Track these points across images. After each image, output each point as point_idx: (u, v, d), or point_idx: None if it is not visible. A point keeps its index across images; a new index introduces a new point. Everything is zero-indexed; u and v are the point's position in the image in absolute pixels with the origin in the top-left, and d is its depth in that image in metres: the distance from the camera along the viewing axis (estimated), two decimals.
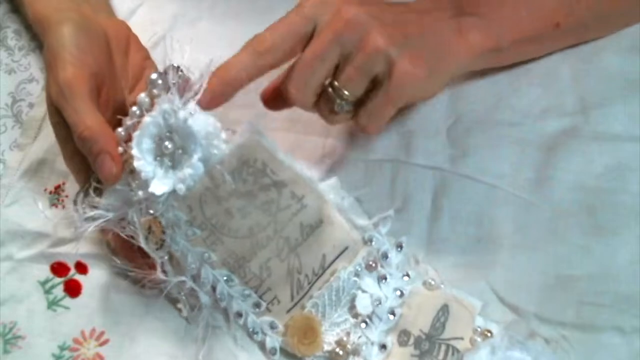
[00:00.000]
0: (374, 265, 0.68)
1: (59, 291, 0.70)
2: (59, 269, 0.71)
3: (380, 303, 0.67)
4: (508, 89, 0.75)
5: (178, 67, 0.62)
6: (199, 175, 0.62)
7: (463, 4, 0.67)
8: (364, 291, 0.68)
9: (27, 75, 0.80)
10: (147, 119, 0.61)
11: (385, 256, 0.68)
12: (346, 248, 0.68)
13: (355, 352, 0.66)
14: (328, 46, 0.63)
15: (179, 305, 0.68)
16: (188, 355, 0.67)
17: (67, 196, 0.73)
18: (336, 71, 0.64)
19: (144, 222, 0.63)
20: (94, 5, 0.73)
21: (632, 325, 0.66)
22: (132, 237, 0.64)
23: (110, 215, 0.63)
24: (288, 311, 0.67)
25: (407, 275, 0.68)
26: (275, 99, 0.68)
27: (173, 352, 0.67)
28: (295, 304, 0.67)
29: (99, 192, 0.63)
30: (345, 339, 0.66)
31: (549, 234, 0.69)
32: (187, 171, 0.61)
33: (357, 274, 0.68)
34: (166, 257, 0.65)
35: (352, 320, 0.67)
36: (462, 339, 0.66)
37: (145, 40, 0.75)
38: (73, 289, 0.70)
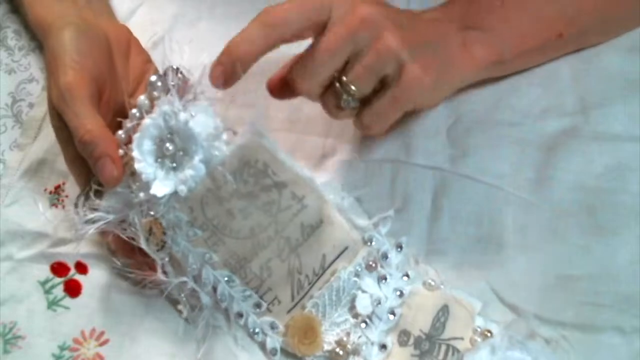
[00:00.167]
0: (374, 265, 0.68)
1: (59, 291, 0.70)
2: (59, 269, 0.71)
3: (380, 303, 0.67)
4: (508, 89, 0.75)
5: (177, 68, 0.62)
6: (201, 176, 0.62)
7: (468, 17, 0.67)
8: (364, 291, 0.68)
9: (27, 75, 0.80)
10: (147, 120, 0.61)
11: (385, 256, 0.68)
12: (346, 248, 0.68)
13: (356, 352, 0.66)
14: (341, 42, 0.62)
15: (179, 307, 0.68)
16: (188, 355, 0.67)
17: (67, 196, 0.73)
18: (346, 66, 0.64)
19: (145, 223, 0.63)
20: (95, 9, 0.73)
21: (632, 325, 0.66)
22: (132, 238, 0.64)
23: (111, 217, 0.63)
24: (288, 311, 0.68)
25: (407, 275, 0.68)
26: (282, 88, 0.68)
27: (173, 352, 0.67)
28: (296, 304, 0.68)
29: (99, 194, 0.63)
30: (345, 339, 0.67)
31: (549, 234, 0.69)
32: (188, 172, 0.62)
33: (357, 274, 0.68)
34: (167, 259, 0.65)
35: (352, 320, 0.67)
36: (462, 339, 0.66)
37: (145, 40, 0.75)
38: (73, 289, 0.70)
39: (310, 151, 0.73)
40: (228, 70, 0.62)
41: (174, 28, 0.81)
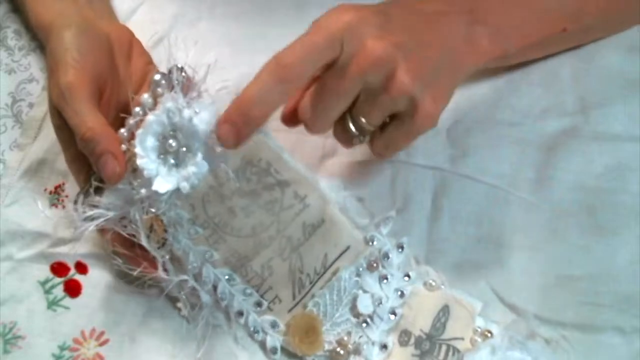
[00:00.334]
0: (375, 265, 0.68)
1: (59, 291, 0.70)
2: (59, 269, 0.70)
3: (381, 303, 0.67)
4: (508, 89, 0.75)
5: (182, 67, 0.62)
6: (203, 173, 0.62)
7: (474, 10, 0.66)
8: (365, 291, 0.68)
9: (27, 75, 0.80)
10: (150, 117, 0.61)
11: (386, 256, 0.68)
12: (348, 248, 0.68)
13: (356, 351, 0.66)
14: (352, 84, 0.60)
15: (179, 305, 0.67)
16: (188, 354, 0.67)
17: (67, 196, 0.73)
18: (357, 99, 0.62)
19: (146, 220, 0.63)
20: (97, 10, 0.73)
21: (632, 325, 0.66)
22: (133, 235, 0.63)
23: (111, 214, 0.63)
24: (289, 310, 0.68)
25: (408, 275, 0.68)
26: (294, 119, 0.66)
27: (173, 351, 0.67)
28: (297, 303, 0.68)
29: (99, 191, 0.63)
30: (346, 338, 0.67)
31: (549, 234, 0.70)
32: (191, 169, 0.61)
33: (358, 274, 0.68)
34: (167, 256, 0.65)
35: (353, 320, 0.67)
36: (462, 339, 0.66)
37: (145, 39, 0.75)
38: (73, 289, 0.70)
39: (310, 151, 0.73)
40: (241, 130, 0.60)
41: (174, 28, 0.80)
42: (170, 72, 0.62)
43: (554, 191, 0.71)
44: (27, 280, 0.70)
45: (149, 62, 0.73)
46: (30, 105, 0.78)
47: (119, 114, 0.65)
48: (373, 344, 0.66)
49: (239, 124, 0.59)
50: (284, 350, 0.67)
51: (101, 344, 0.68)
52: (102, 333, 0.68)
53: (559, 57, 0.76)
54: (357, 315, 0.67)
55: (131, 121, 0.63)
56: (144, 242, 0.63)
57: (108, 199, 0.63)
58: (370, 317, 0.67)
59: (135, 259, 0.65)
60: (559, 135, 0.73)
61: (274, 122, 0.69)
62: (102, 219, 0.63)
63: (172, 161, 0.62)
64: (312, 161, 0.72)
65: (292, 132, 0.70)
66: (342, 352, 0.66)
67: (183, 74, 0.62)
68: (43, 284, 0.70)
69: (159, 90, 0.62)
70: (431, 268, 0.69)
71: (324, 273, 0.68)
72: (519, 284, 0.68)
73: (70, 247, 0.71)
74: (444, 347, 0.66)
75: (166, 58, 0.62)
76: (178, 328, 0.68)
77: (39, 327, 0.69)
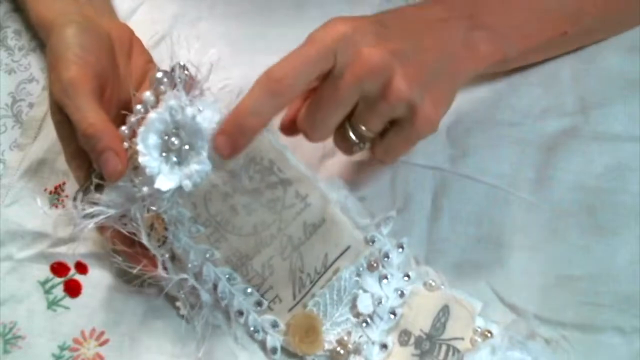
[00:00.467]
0: (375, 265, 0.68)
1: (59, 291, 0.70)
2: (59, 269, 0.70)
3: (381, 303, 0.67)
4: (508, 89, 0.75)
5: (184, 65, 0.62)
6: (206, 171, 0.62)
7: (474, 16, 0.66)
8: (365, 291, 0.68)
9: (27, 75, 0.80)
10: (152, 114, 0.61)
11: (386, 256, 0.68)
12: (348, 247, 0.68)
13: (356, 351, 0.66)
14: (349, 93, 0.61)
15: (178, 304, 0.67)
16: (188, 354, 0.67)
17: (67, 196, 0.73)
18: (355, 108, 0.63)
19: (147, 218, 0.63)
20: (97, 8, 0.73)
21: (632, 325, 0.66)
22: (133, 234, 0.63)
23: (112, 211, 0.63)
24: (290, 310, 0.68)
25: (408, 276, 0.68)
26: (292, 128, 0.66)
27: (173, 351, 0.67)
28: (297, 302, 0.68)
29: (99, 189, 0.63)
30: (346, 338, 0.67)
31: (549, 234, 0.70)
32: (194, 167, 0.61)
33: (358, 274, 0.68)
34: (167, 255, 0.65)
35: (353, 320, 0.67)
36: (462, 339, 0.66)
37: (145, 39, 0.75)
38: (73, 289, 0.70)
39: (310, 151, 0.73)
40: (236, 141, 0.61)
41: (174, 28, 0.80)
42: (172, 70, 0.62)
43: (554, 191, 0.71)
44: (27, 280, 0.70)
45: (149, 61, 0.73)
46: (30, 105, 0.78)
47: (119, 113, 0.65)
48: (373, 343, 0.66)
49: (234, 135, 0.60)
50: (284, 350, 0.67)
51: (101, 344, 0.68)
52: (102, 333, 0.68)
53: (559, 58, 0.76)
54: (357, 315, 0.67)
55: (132, 119, 0.63)
56: (144, 240, 0.63)
57: (108, 197, 0.63)
58: (370, 316, 0.67)
59: (135, 256, 0.65)
60: (559, 135, 0.73)
61: (274, 122, 0.69)
62: (102, 217, 0.63)
63: (174, 159, 0.62)
64: (312, 161, 0.72)
65: None
66: (342, 351, 0.66)
67: (186, 72, 0.62)
68: (43, 284, 0.70)
69: (162, 88, 0.62)
70: (431, 268, 0.69)
71: (325, 272, 0.68)
72: (519, 284, 0.68)
73: (70, 247, 0.71)
74: (444, 347, 0.66)
75: (168, 56, 0.62)
76: (178, 328, 0.68)
77: (39, 327, 0.69)
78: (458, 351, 0.66)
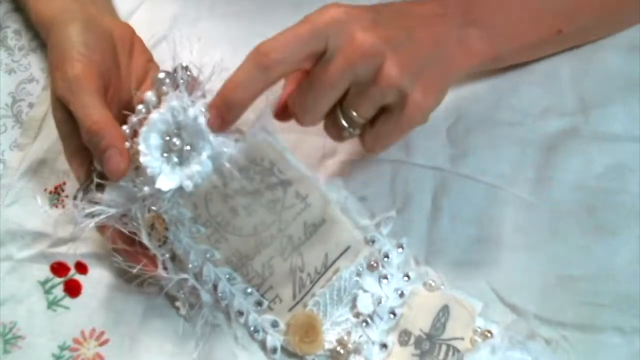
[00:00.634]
0: (375, 265, 0.68)
1: (59, 291, 0.70)
2: (59, 269, 0.71)
3: (381, 302, 0.67)
4: (508, 89, 0.75)
5: (186, 66, 0.62)
6: (207, 172, 0.62)
7: (468, 12, 0.66)
8: (365, 291, 0.68)
9: (27, 75, 0.80)
10: (154, 115, 0.61)
11: (386, 256, 0.68)
12: (348, 247, 0.68)
13: (356, 351, 0.66)
14: (341, 76, 0.61)
15: (178, 304, 0.68)
16: (188, 354, 0.67)
17: (67, 196, 0.73)
18: (347, 93, 0.63)
19: (147, 218, 0.63)
20: (99, 7, 0.73)
21: (632, 325, 0.66)
22: (134, 233, 0.63)
23: (112, 211, 0.63)
24: (290, 310, 0.68)
25: (408, 276, 0.68)
26: (285, 113, 0.66)
27: (173, 351, 0.67)
28: (297, 302, 0.68)
29: (100, 188, 0.63)
30: (346, 338, 0.67)
31: (549, 234, 0.70)
32: (195, 168, 0.62)
33: (358, 274, 0.68)
34: (167, 255, 0.65)
35: (353, 320, 0.67)
36: (462, 339, 0.66)
37: (145, 40, 0.75)
38: (73, 289, 0.70)
39: (310, 151, 0.73)
40: (224, 115, 0.61)
41: (174, 28, 0.80)
42: (175, 70, 0.62)
43: (554, 191, 0.71)
44: (27, 280, 0.70)
45: (150, 60, 0.73)
46: (30, 105, 0.78)
47: (119, 112, 0.65)
48: (373, 343, 0.66)
49: (221, 109, 0.61)
50: (284, 349, 0.67)
51: (101, 344, 0.68)
52: (102, 333, 0.68)
53: (558, 58, 0.76)
54: (357, 314, 0.67)
55: (134, 119, 0.63)
56: (145, 239, 0.63)
57: (109, 196, 0.63)
58: (370, 316, 0.67)
59: (135, 255, 0.65)
60: (559, 135, 0.73)
61: (274, 121, 0.69)
62: (102, 216, 0.63)
63: (176, 159, 0.62)
64: (312, 161, 0.72)
65: (292, 132, 0.70)
66: (342, 351, 0.66)
67: (188, 73, 0.62)
68: (43, 284, 0.70)
69: (164, 88, 0.62)
70: (431, 268, 0.69)
71: (325, 272, 0.68)
72: (519, 284, 0.68)
73: (70, 247, 0.71)
74: (444, 347, 0.66)
75: (169, 57, 0.63)
76: (178, 328, 0.68)
77: (39, 327, 0.69)
78: (458, 351, 0.66)
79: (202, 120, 0.61)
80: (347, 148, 0.74)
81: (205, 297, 0.66)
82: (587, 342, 0.66)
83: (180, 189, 0.62)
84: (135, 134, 0.63)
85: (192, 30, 0.80)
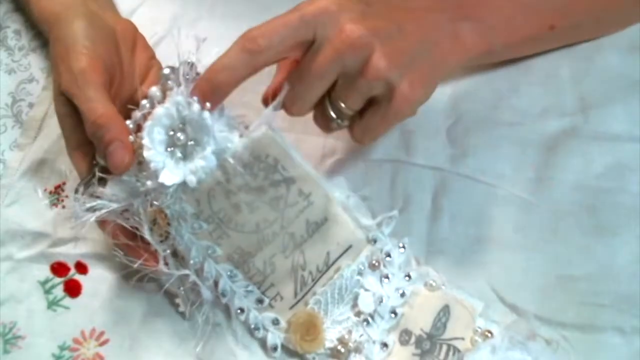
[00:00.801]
0: (376, 264, 0.68)
1: (59, 291, 0.70)
2: (59, 269, 0.70)
3: (382, 302, 0.67)
4: (508, 89, 0.75)
5: (192, 62, 0.62)
6: (211, 167, 0.62)
7: (462, 6, 0.66)
8: (366, 290, 0.68)
9: (27, 75, 0.80)
10: (159, 109, 0.62)
11: (388, 256, 0.68)
12: (350, 246, 0.68)
13: (357, 349, 0.66)
14: (329, 66, 0.61)
15: (177, 300, 0.68)
16: (188, 354, 0.67)
17: (67, 196, 0.73)
18: (335, 84, 0.64)
19: (150, 213, 0.63)
20: (100, 4, 0.73)
21: (632, 325, 0.66)
22: (135, 228, 0.63)
23: (114, 205, 0.63)
24: (291, 308, 0.68)
25: (409, 276, 0.68)
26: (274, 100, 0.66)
27: (173, 351, 0.67)
28: (298, 300, 0.68)
29: (102, 182, 0.63)
30: (347, 336, 0.66)
31: (549, 234, 0.70)
32: (199, 163, 0.62)
33: (360, 273, 0.68)
34: (168, 251, 0.65)
35: (354, 318, 0.67)
36: (463, 339, 0.66)
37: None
38: (73, 289, 0.70)
39: (310, 151, 0.73)
40: (207, 96, 0.61)
41: (174, 28, 0.80)
42: (180, 66, 0.62)
43: (554, 191, 0.71)
44: (27, 280, 0.70)
45: (152, 57, 0.73)
46: (30, 105, 0.78)
47: (122, 108, 0.65)
48: (374, 342, 0.66)
49: (205, 90, 0.61)
50: (284, 348, 0.67)
51: (101, 344, 0.68)
52: (102, 333, 0.68)
53: (558, 57, 0.76)
54: (358, 313, 0.67)
55: (138, 113, 0.63)
56: (146, 234, 0.63)
57: (111, 190, 0.63)
58: (371, 315, 0.67)
59: (137, 250, 0.64)
60: (559, 135, 0.73)
61: (279, 122, 0.69)
62: (104, 211, 0.62)
63: (179, 154, 0.62)
64: (311, 161, 0.72)
65: (292, 132, 0.71)
66: (342, 350, 0.66)
67: (193, 68, 0.62)
68: (43, 284, 0.70)
69: (169, 83, 0.62)
70: (431, 268, 0.69)
71: (326, 271, 0.68)
72: (519, 284, 0.68)
73: (70, 247, 0.71)
74: (444, 347, 0.66)
75: (170, 56, 0.63)
76: (178, 327, 0.68)
77: (39, 327, 0.69)
78: (458, 351, 0.66)
79: (206, 115, 0.61)
80: (347, 148, 0.74)
81: (206, 294, 0.66)
82: (587, 342, 0.66)
83: (183, 184, 0.62)
84: (138, 128, 0.63)
85: (192, 30, 0.80)
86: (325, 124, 0.66)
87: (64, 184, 0.74)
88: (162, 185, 0.61)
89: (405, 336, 0.67)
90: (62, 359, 0.67)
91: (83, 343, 0.68)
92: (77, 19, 0.67)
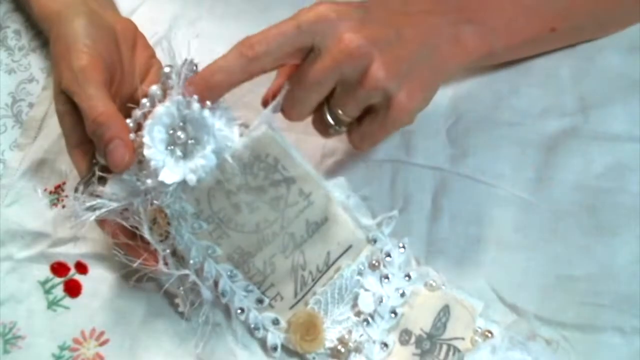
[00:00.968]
0: (376, 264, 0.68)
1: (59, 291, 0.70)
2: (59, 269, 0.70)
3: (382, 302, 0.67)
4: (508, 89, 0.75)
5: (192, 61, 0.62)
6: (211, 166, 0.62)
7: (462, 9, 0.67)
8: (366, 290, 0.68)
9: (27, 75, 0.80)
10: (160, 108, 0.61)
11: (388, 256, 0.68)
12: (350, 246, 0.68)
13: (357, 349, 0.66)
14: (328, 74, 0.62)
15: (177, 300, 0.67)
16: (188, 354, 0.67)
17: (67, 196, 0.73)
18: (333, 91, 0.64)
19: (150, 212, 0.63)
20: (101, 3, 0.73)
21: (632, 325, 0.66)
22: (135, 227, 0.63)
23: (114, 204, 0.62)
24: (291, 307, 0.68)
25: (409, 276, 0.68)
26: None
27: (173, 350, 0.67)
28: (299, 300, 0.68)
29: (102, 181, 0.63)
30: (347, 336, 0.66)
31: (549, 234, 0.70)
32: (199, 162, 0.61)
33: (360, 273, 0.68)
34: (168, 250, 0.65)
35: (354, 318, 0.67)
36: (463, 339, 0.66)
37: None
38: (73, 289, 0.70)
39: (310, 151, 0.73)
40: (201, 93, 0.61)
41: (174, 28, 0.81)
42: (181, 65, 0.62)
43: (554, 191, 0.71)
44: (27, 280, 0.70)
45: (153, 56, 0.73)
46: (30, 105, 0.78)
47: (122, 107, 0.65)
48: (374, 342, 0.66)
49: (200, 87, 0.61)
50: (284, 348, 0.67)
51: (101, 344, 0.68)
52: (102, 333, 0.68)
53: (558, 58, 0.76)
54: (358, 313, 0.67)
55: (138, 112, 0.63)
56: (146, 234, 0.63)
57: (111, 189, 0.63)
58: (372, 315, 0.67)
59: (136, 249, 0.64)
60: (559, 135, 0.73)
61: (280, 121, 0.69)
62: (104, 210, 0.62)
63: (179, 153, 0.62)
64: (312, 161, 0.72)
65: (292, 132, 0.70)
66: (343, 350, 0.66)
67: (194, 68, 0.62)
68: (43, 284, 0.70)
69: (170, 82, 0.62)
70: (431, 268, 0.69)
71: (326, 271, 0.68)
72: (519, 284, 0.68)
73: (70, 247, 0.71)
74: (444, 347, 0.66)
75: (169, 56, 0.63)
76: (178, 328, 0.68)
77: (39, 327, 0.69)
78: (459, 351, 0.66)
79: (207, 114, 0.61)
80: (347, 148, 0.73)
81: (206, 294, 0.66)
82: (587, 342, 0.66)
83: (183, 184, 0.62)
84: (139, 127, 0.62)
85: (192, 30, 0.80)
86: (323, 129, 0.67)
87: (64, 184, 0.74)
88: (162, 184, 0.61)
89: (405, 336, 0.67)
90: (62, 359, 0.67)
91: (83, 343, 0.68)
92: (77, 17, 0.67)
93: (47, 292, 0.70)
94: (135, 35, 0.72)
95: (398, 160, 0.73)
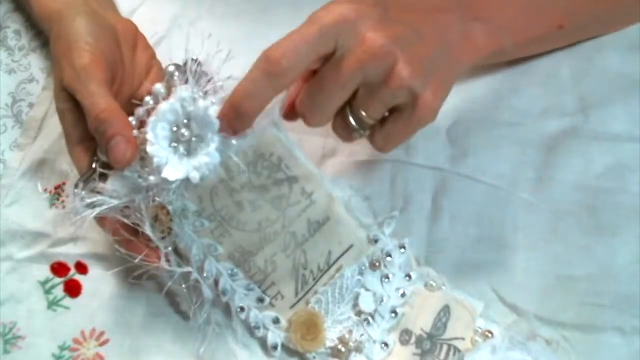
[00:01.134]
0: (377, 264, 0.68)
1: (59, 291, 0.70)
2: (59, 269, 0.70)
3: (382, 301, 0.67)
4: (508, 89, 0.75)
5: (197, 59, 0.62)
6: (215, 164, 0.62)
7: (472, 6, 0.66)
8: (367, 289, 0.68)
9: (27, 75, 0.80)
10: (164, 105, 0.61)
11: (388, 256, 0.68)
12: (351, 246, 0.68)
13: (358, 349, 0.66)
14: (352, 76, 0.60)
15: (178, 299, 0.68)
16: (188, 354, 0.67)
17: (67, 196, 0.73)
18: (356, 93, 0.62)
19: (151, 209, 0.63)
20: (102, 3, 0.73)
21: (632, 325, 0.66)
22: (136, 224, 0.63)
23: (115, 201, 0.62)
24: (292, 307, 0.67)
25: (409, 276, 0.68)
26: (292, 112, 0.65)
27: (174, 350, 0.67)
28: (299, 299, 0.67)
29: (103, 179, 0.63)
30: (347, 336, 0.67)
31: (549, 234, 0.70)
32: (202, 159, 0.61)
33: (361, 272, 0.68)
34: (170, 248, 0.64)
35: (355, 318, 0.67)
36: (463, 339, 0.66)
37: None
38: (73, 289, 0.70)
39: (311, 151, 0.72)
40: (234, 124, 0.61)
41: (174, 28, 0.81)
42: (185, 63, 0.62)
43: (554, 191, 0.71)
44: (27, 280, 0.70)
45: (153, 57, 0.72)
46: (30, 105, 0.78)
47: (123, 107, 0.65)
48: (374, 342, 0.66)
49: (231, 118, 0.60)
50: (284, 347, 0.67)
51: (101, 344, 0.68)
52: (102, 333, 0.68)
53: (558, 57, 0.76)
54: (358, 313, 0.67)
55: (141, 110, 0.63)
56: (148, 230, 0.63)
57: (112, 186, 0.63)
58: (372, 315, 0.67)
59: (137, 245, 0.64)
60: (559, 135, 0.73)
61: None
62: (105, 207, 0.62)
63: (183, 150, 0.62)
64: (312, 161, 0.72)
65: (293, 131, 0.70)
66: (343, 349, 0.66)
67: (198, 66, 0.62)
68: (43, 284, 0.70)
69: (174, 79, 0.62)
70: (431, 269, 0.69)
71: (327, 270, 0.68)
72: (519, 284, 0.68)
73: (70, 247, 0.71)
74: (444, 347, 0.66)
75: (181, 51, 0.62)
76: (178, 327, 0.68)
77: (39, 327, 0.68)
78: (459, 351, 0.66)
79: (212, 111, 0.61)
80: (347, 148, 0.74)
81: (207, 292, 0.66)
82: (587, 342, 0.66)
83: (186, 181, 0.62)
84: (141, 125, 0.62)
85: (192, 30, 0.80)
86: (346, 134, 0.65)
87: (64, 183, 0.74)
88: (164, 180, 0.61)
89: (405, 336, 0.67)
90: (62, 359, 0.67)
91: (83, 343, 0.68)
92: (78, 16, 0.67)
93: (47, 292, 0.70)
94: (135, 35, 0.72)
95: (398, 160, 0.73)
